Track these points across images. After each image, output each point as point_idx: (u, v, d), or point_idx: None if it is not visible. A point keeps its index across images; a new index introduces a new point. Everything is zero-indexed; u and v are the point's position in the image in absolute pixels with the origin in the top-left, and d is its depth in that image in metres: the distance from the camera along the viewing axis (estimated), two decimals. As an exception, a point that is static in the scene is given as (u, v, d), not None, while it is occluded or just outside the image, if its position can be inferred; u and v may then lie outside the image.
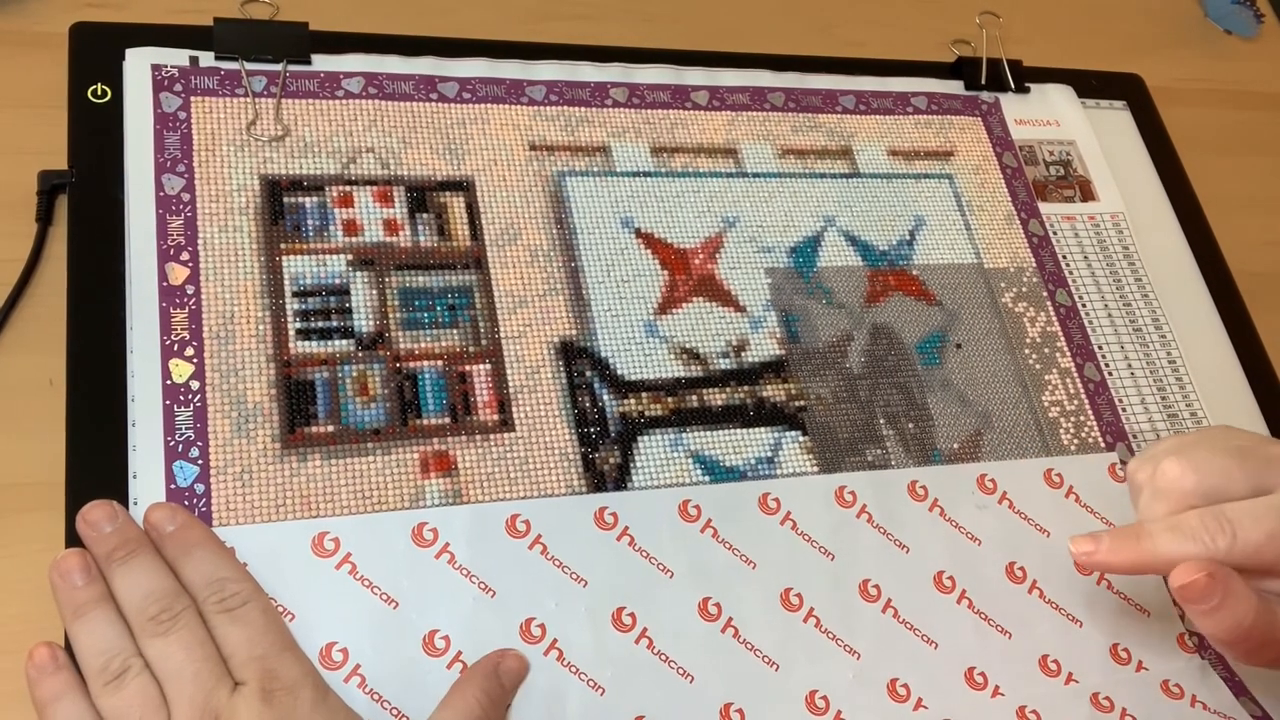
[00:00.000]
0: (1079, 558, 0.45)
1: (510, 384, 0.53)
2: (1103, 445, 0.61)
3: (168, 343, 0.50)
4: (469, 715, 0.44)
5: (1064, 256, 0.67)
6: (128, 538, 0.45)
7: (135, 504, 0.46)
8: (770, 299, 0.59)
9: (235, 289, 0.52)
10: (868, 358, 0.59)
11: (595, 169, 0.60)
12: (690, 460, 0.54)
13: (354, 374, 0.51)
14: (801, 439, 0.56)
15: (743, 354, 0.57)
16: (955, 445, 0.58)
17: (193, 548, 0.45)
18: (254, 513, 0.47)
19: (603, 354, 0.55)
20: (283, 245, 0.53)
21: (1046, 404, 0.61)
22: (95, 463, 0.47)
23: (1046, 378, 0.62)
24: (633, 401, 0.55)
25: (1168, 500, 0.45)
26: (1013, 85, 0.71)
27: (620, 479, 0.52)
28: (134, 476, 0.47)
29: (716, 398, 0.56)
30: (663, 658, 0.49)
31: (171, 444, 0.48)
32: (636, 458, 0.53)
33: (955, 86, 0.71)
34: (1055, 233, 0.67)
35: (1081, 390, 0.62)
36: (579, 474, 0.52)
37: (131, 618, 0.43)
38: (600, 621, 0.49)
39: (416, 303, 0.54)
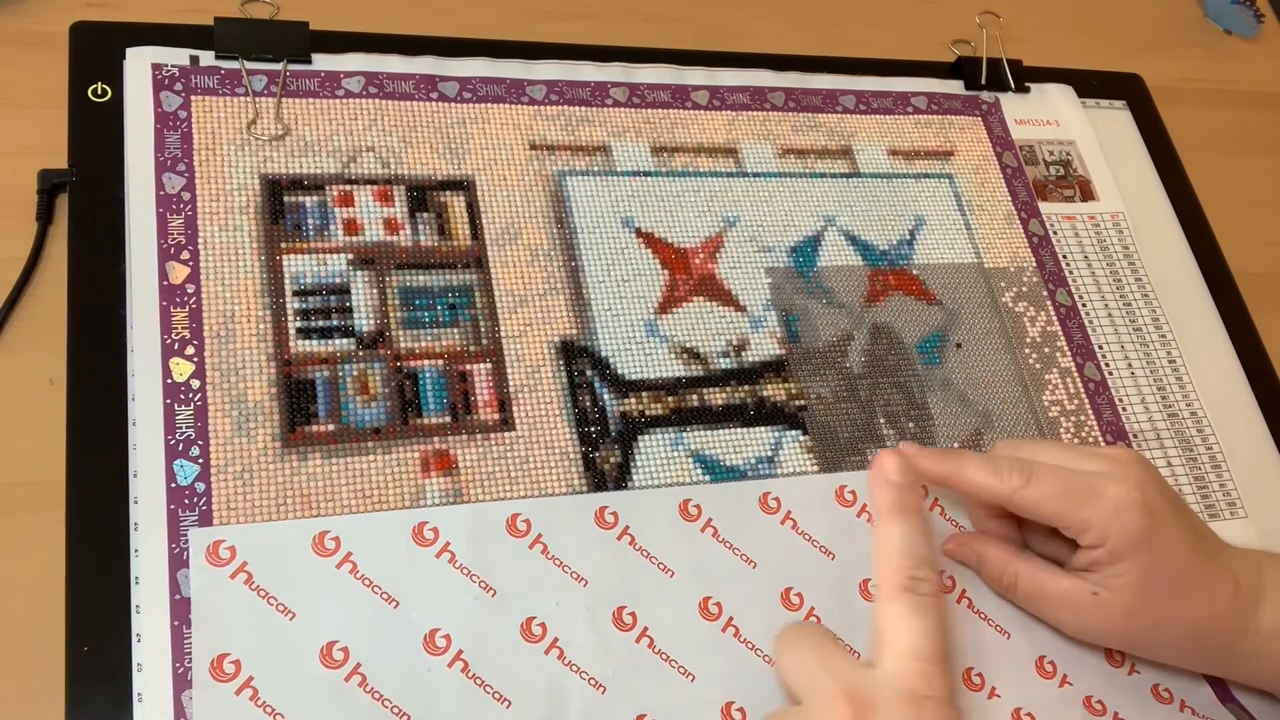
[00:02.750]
0: (904, 447, 0.52)
1: (511, 383, 0.53)
2: (1103, 445, 0.61)
3: (168, 341, 0.50)
4: None
5: (1064, 256, 0.67)
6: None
7: (136, 503, 0.46)
8: (770, 298, 0.59)
9: (235, 288, 0.52)
10: (868, 357, 0.59)
11: (595, 168, 0.60)
12: (691, 460, 0.54)
13: (354, 373, 0.51)
14: (802, 438, 0.56)
15: (743, 353, 0.57)
16: (955, 445, 0.58)
17: (908, 513, 0.48)
18: (254, 512, 0.47)
19: (603, 353, 0.55)
20: (283, 244, 0.53)
21: (1046, 403, 0.61)
22: (95, 462, 0.47)
23: (1046, 377, 0.62)
24: (633, 401, 0.55)
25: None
26: (1013, 85, 0.71)
27: (621, 478, 0.52)
28: (134, 475, 0.47)
29: (717, 397, 0.56)
30: (664, 657, 0.49)
31: (172, 443, 0.48)
32: (637, 457, 0.53)
33: (955, 86, 0.71)
34: (1055, 232, 0.67)
35: (1082, 390, 0.62)
36: (579, 473, 0.52)
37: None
38: (601, 621, 0.49)
39: (417, 302, 0.54)
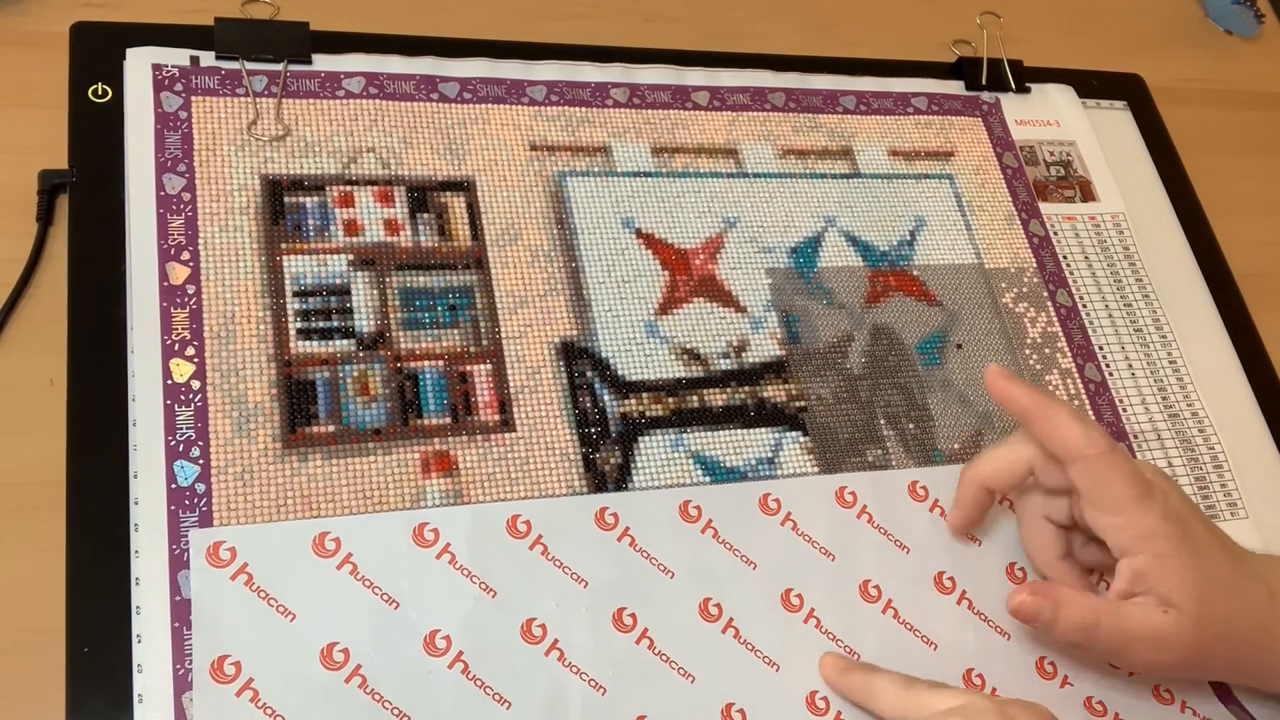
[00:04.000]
0: (994, 371, 0.50)
1: (511, 384, 0.53)
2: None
3: (168, 342, 0.50)
4: None
5: (1064, 257, 0.67)
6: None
7: (136, 504, 0.46)
8: (771, 299, 0.59)
9: (236, 289, 0.52)
10: (868, 358, 0.59)
11: (596, 169, 0.60)
12: (691, 461, 0.54)
13: (355, 374, 0.51)
14: (802, 439, 0.56)
15: (743, 354, 0.57)
16: (956, 445, 0.58)
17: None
18: (255, 512, 0.47)
19: (603, 354, 0.55)
20: (283, 245, 0.53)
21: (1047, 404, 0.61)
22: (95, 462, 0.47)
23: (1047, 378, 0.62)
24: (633, 402, 0.55)
25: None
26: (1013, 85, 0.71)
27: (621, 479, 0.52)
28: (134, 476, 0.47)
29: (717, 398, 0.56)
30: (664, 658, 0.49)
31: (172, 443, 0.48)
32: (637, 458, 0.53)
33: (956, 87, 0.71)
34: (1056, 233, 0.67)
35: (1082, 390, 0.62)
36: (580, 474, 0.52)
37: None
38: (601, 622, 0.49)
39: (417, 303, 0.54)
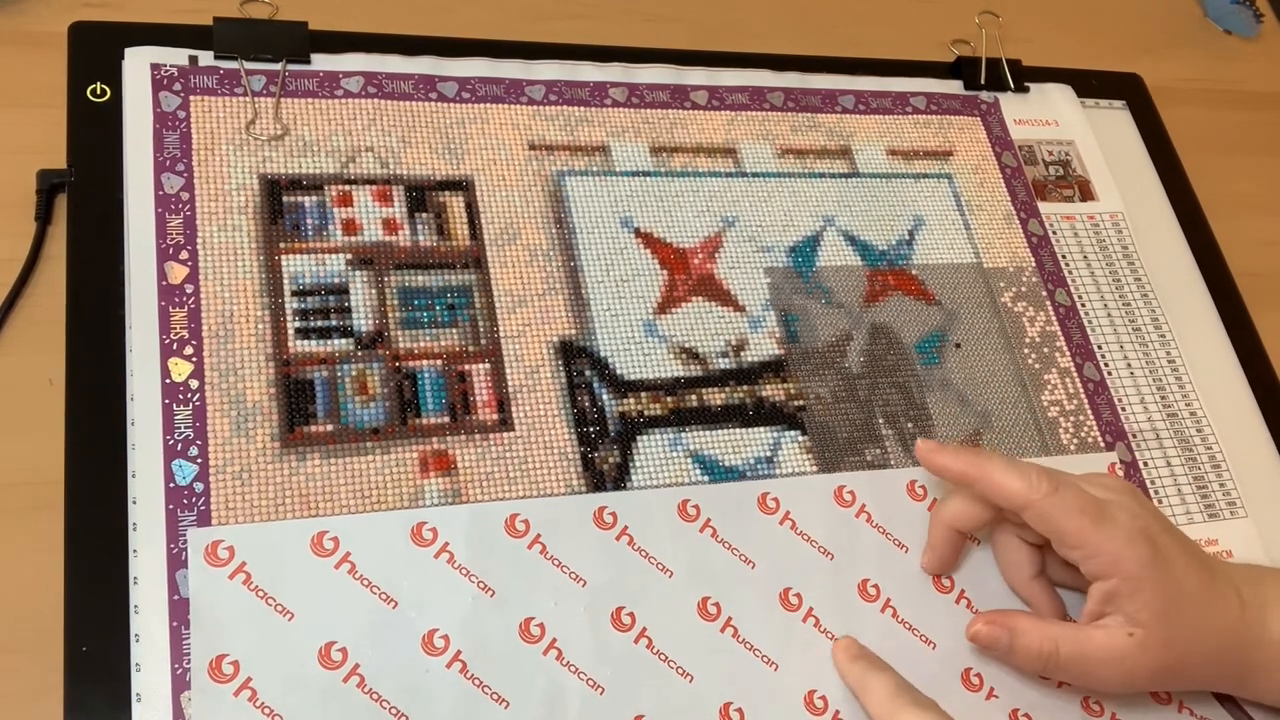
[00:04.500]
0: (923, 446, 0.51)
1: (509, 383, 0.53)
2: (1102, 445, 0.61)
3: (167, 342, 0.50)
4: None
5: (1063, 256, 0.67)
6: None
7: (134, 503, 0.46)
8: (769, 298, 0.59)
9: (234, 288, 0.52)
10: (867, 357, 0.59)
11: (595, 169, 0.60)
12: (689, 460, 0.54)
13: (353, 373, 0.51)
14: (801, 439, 0.56)
15: (742, 354, 0.57)
16: (955, 445, 0.58)
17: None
18: (253, 512, 0.47)
19: (602, 353, 0.55)
20: (282, 244, 0.53)
21: (1046, 403, 0.61)
22: (95, 462, 0.47)
23: (1046, 377, 0.62)
24: (632, 401, 0.55)
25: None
26: (1012, 85, 0.71)
27: (619, 478, 0.52)
28: (133, 475, 0.47)
29: (716, 397, 0.56)
30: (662, 657, 0.49)
31: (170, 443, 0.48)
32: (636, 457, 0.53)
33: (954, 86, 0.71)
34: (1054, 232, 0.67)
35: (1081, 390, 0.62)
36: (578, 473, 0.52)
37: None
38: (599, 621, 0.49)
39: (416, 302, 0.54)
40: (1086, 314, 0.65)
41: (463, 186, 0.57)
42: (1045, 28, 0.78)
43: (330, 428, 0.50)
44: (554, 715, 0.47)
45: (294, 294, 0.52)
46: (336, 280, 0.53)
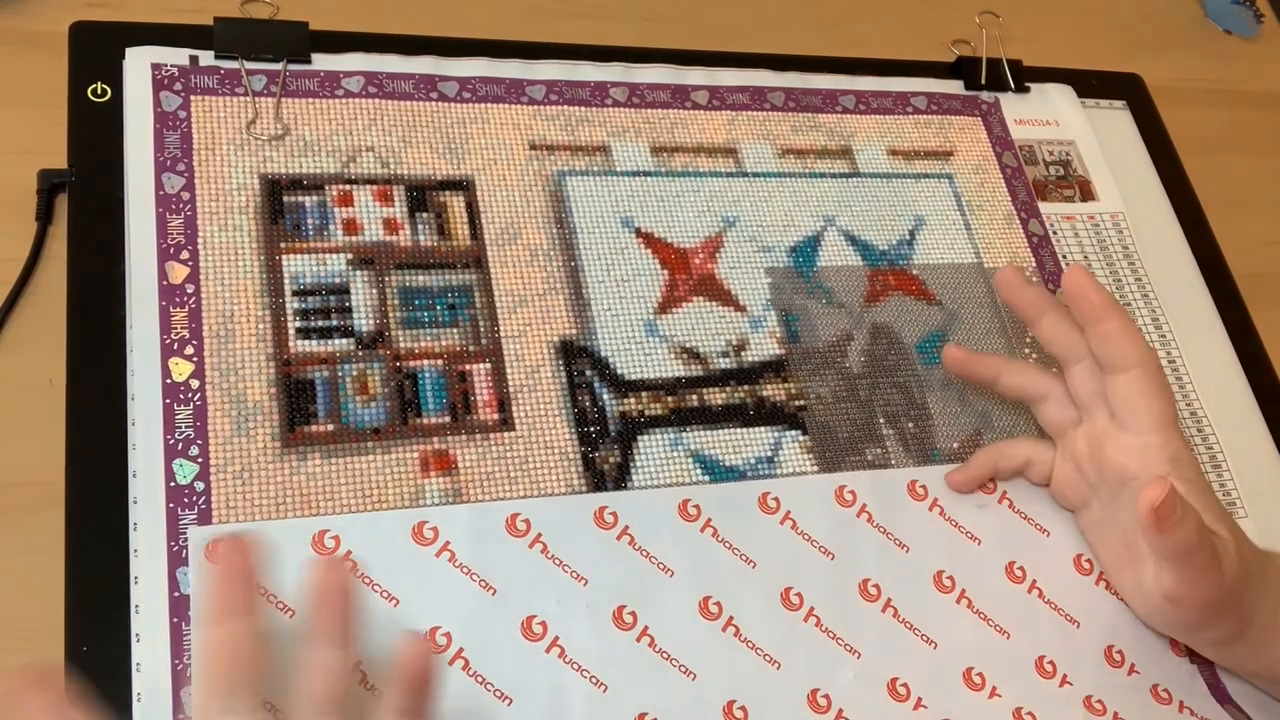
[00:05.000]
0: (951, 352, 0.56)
1: (510, 383, 0.53)
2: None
3: (167, 341, 0.50)
4: None
5: (1064, 256, 0.67)
6: None
7: (135, 502, 0.46)
8: (770, 298, 0.59)
9: (235, 288, 0.52)
10: (867, 357, 0.59)
11: (595, 168, 0.60)
12: (690, 460, 0.54)
13: (354, 373, 0.51)
14: (801, 438, 0.56)
15: (743, 353, 0.57)
16: (955, 445, 0.58)
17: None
18: (254, 511, 0.47)
19: (603, 353, 0.55)
20: (282, 244, 0.53)
21: (1046, 403, 0.61)
22: (95, 461, 0.47)
23: (1046, 377, 0.62)
24: (633, 401, 0.55)
25: None
26: (1012, 85, 0.71)
27: (620, 478, 0.52)
28: (134, 475, 0.47)
29: (716, 397, 0.56)
30: (664, 656, 0.49)
31: (171, 442, 0.48)
32: (636, 457, 0.53)
33: (955, 86, 0.71)
34: (1055, 232, 0.67)
35: (1081, 390, 0.62)
36: (579, 473, 0.52)
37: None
38: (601, 620, 0.49)
39: (416, 302, 0.54)
40: (1087, 314, 0.65)
41: (463, 186, 0.57)
42: (1045, 28, 0.78)
43: (331, 427, 0.50)
44: (558, 712, 0.47)
45: (295, 294, 0.52)
46: (337, 280, 0.53)
